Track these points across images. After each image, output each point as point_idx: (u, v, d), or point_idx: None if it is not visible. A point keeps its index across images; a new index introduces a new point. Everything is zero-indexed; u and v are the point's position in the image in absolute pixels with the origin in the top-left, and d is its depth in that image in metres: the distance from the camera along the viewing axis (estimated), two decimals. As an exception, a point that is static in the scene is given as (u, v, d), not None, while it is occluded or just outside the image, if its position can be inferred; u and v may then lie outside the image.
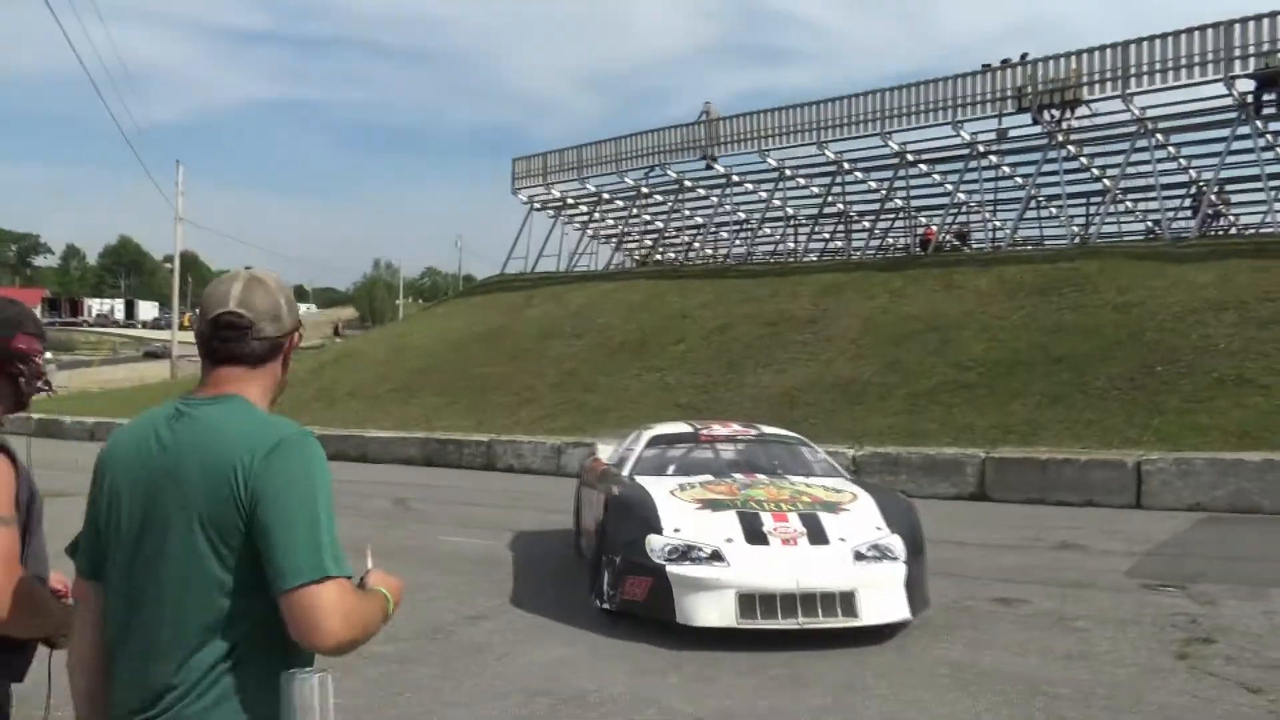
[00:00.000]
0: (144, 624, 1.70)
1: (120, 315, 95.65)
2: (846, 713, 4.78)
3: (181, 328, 65.33)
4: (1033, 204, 25.29)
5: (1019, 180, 25.12)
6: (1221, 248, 19.18)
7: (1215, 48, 19.63)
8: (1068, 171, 23.97)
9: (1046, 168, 23.45)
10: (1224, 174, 22.48)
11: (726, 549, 6.23)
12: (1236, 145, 21.13)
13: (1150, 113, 21.44)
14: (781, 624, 5.97)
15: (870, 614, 6.08)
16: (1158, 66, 20.36)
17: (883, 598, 6.18)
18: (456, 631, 6.35)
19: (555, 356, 24.42)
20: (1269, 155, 21.48)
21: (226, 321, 1.78)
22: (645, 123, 30.66)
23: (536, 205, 34.21)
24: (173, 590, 1.68)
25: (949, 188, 26.32)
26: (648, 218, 33.74)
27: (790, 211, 30.50)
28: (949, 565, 8.55)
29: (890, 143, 24.87)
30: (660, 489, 7.13)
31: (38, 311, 2.37)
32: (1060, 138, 22.32)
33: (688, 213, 32.67)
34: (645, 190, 31.44)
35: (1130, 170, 23.10)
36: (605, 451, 9.74)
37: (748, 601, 6.00)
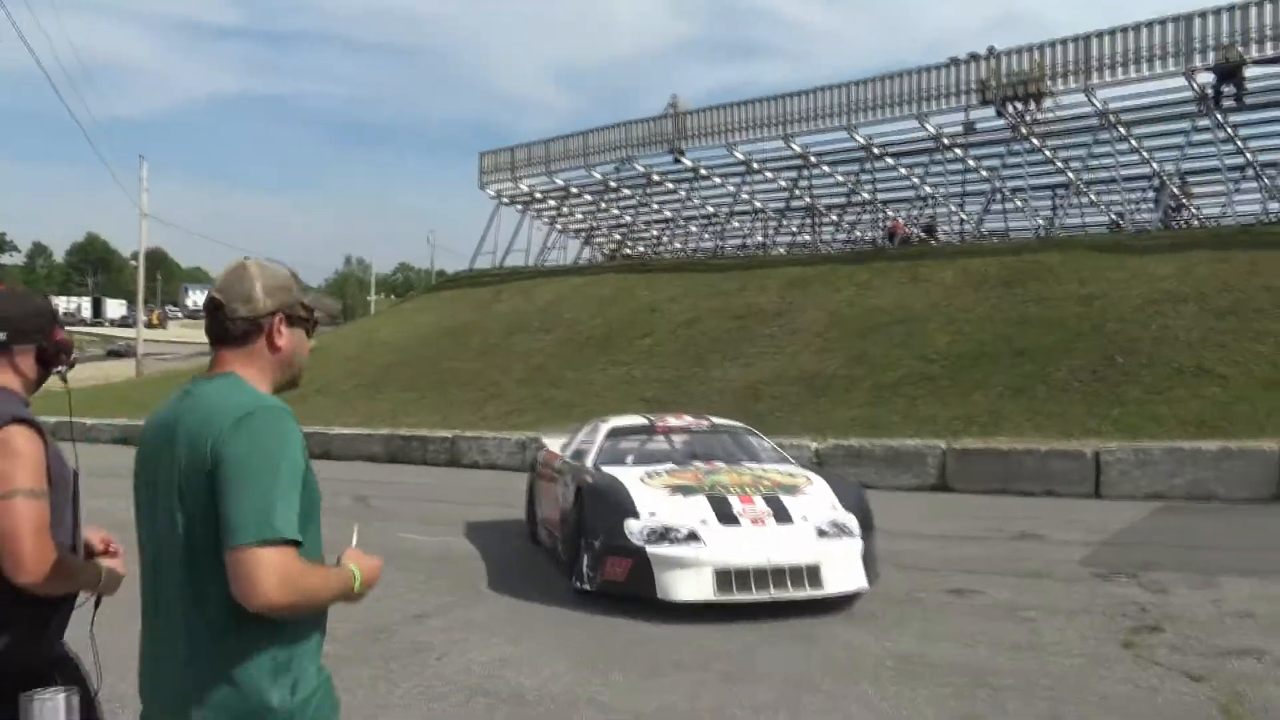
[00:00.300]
0: (154, 592, 1.84)
1: (87, 314, 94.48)
2: (790, 708, 4.72)
3: (150, 325, 64.58)
4: (998, 197, 25.41)
5: (984, 173, 25.23)
6: (1182, 240, 19.31)
7: (1175, 41, 19.80)
8: (1032, 164, 24.11)
9: (1011, 161, 23.59)
10: (1185, 166, 22.69)
11: (702, 530, 6.73)
12: (1197, 138, 21.34)
13: (1112, 105, 21.58)
14: (755, 596, 6.48)
15: (833, 585, 6.65)
16: (1119, 60, 20.50)
17: (843, 570, 6.75)
18: (400, 631, 6.24)
19: (522, 351, 24.30)
20: (1229, 148, 21.70)
21: (207, 304, 1.95)
22: (623, 119, 30.67)
23: (505, 200, 34.04)
24: (167, 560, 1.80)
25: (915, 181, 26.43)
26: (616, 212, 33.66)
27: (758, 205, 30.50)
28: (905, 557, 8.55)
29: (856, 136, 24.91)
30: (630, 477, 7.51)
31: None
32: (1024, 131, 22.41)
33: (656, 206, 32.60)
34: (613, 184, 31.35)
35: (1093, 163, 23.27)
36: (555, 445, 9.90)
37: (724, 577, 6.52)
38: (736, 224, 31.74)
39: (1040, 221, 24.47)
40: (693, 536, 6.68)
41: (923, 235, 26.30)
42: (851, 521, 7.08)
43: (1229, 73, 19.64)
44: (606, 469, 7.95)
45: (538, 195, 33.54)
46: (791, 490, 7.33)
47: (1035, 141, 22.97)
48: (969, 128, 23.70)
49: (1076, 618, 6.33)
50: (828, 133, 25.33)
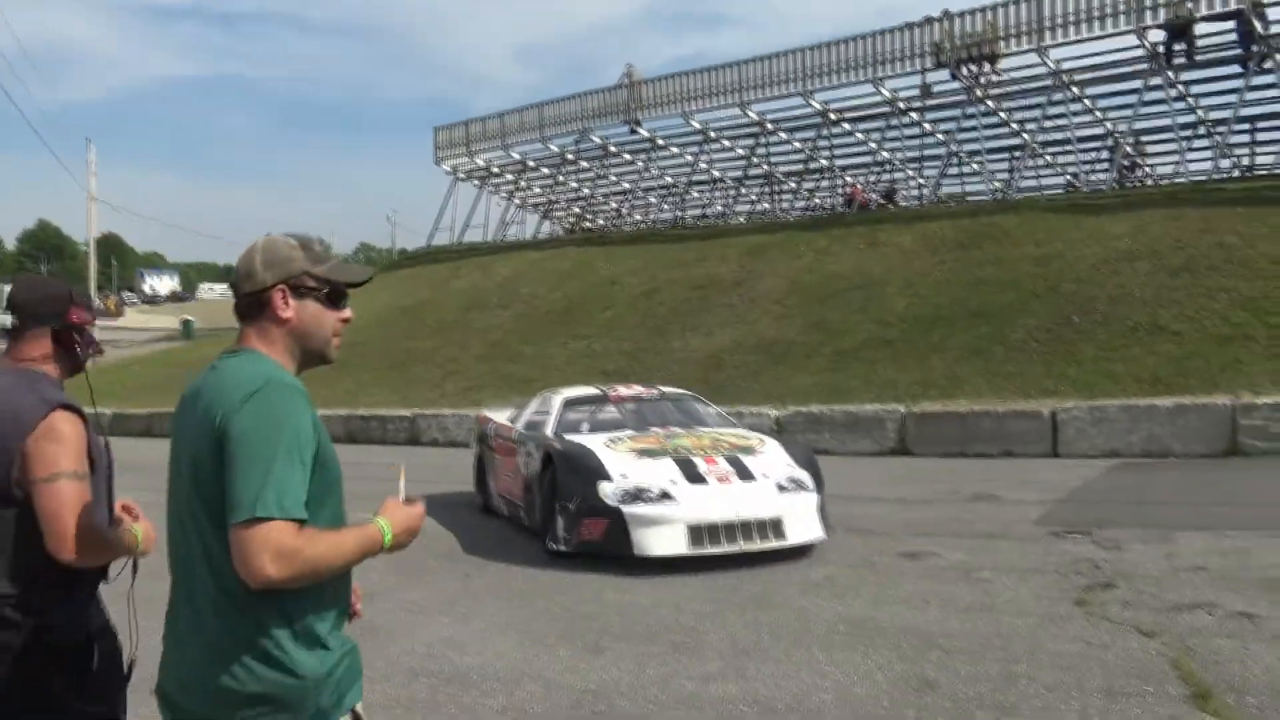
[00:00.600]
0: (179, 564, 1.87)
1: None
2: (736, 677, 4.62)
3: (106, 312, 63.08)
4: (954, 160, 25.39)
5: (940, 137, 25.18)
6: (1136, 199, 19.38)
7: (1126, -1, 19.76)
8: (987, 127, 24.07)
9: (966, 124, 23.52)
10: (1138, 125, 22.75)
11: (673, 489, 7.19)
12: (1149, 96, 21.37)
13: (1065, 66, 21.56)
14: (725, 549, 6.96)
15: (794, 535, 7.17)
16: (1071, 19, 20.45)
17: (802, 522, 7.29)
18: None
19: (481, 328, 24.04)
20: (1180, 106, 21.77)
21: (230, 283, 2.03)
22: (581, 91, 30.29)
23: (461, 175, 33.59)
24: (190, 532, 1.83)
25: (872, 146, 26.34)
26: (575, 185, 33.33)
27: (716, 174, 30.32)
28: (862, 521, 8.50)
29: (812, 102, 24.75)
30: (595, 443, 7.88)
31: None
32: (979, 93, 22.35)
33: (614, 178, 32.32)
34: (570, 157, 31.00)
35: (1047, 124, 23.28)
36: (500, 417, 10.15)
37: (696, 532, 6.99)
38: (696, 194, 31.56)
39: (997, 184, 24.47)
40: (665, 495, 7.13)
41: (881, 201, 26.26)
42: (806, 477, 7.64)
43: (1179, 30, 19.66)
44: (569, 437, 8.25)
45: (494, 170, 33.12)
46: (749, 451, 7.84)
47: (990, 104, 22.92)
48: (925, 91, 23.61)
49: (1030, 577, 6.29)
50: (784, 99, 25.14)
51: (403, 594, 6.60)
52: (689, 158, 29.13)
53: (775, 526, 7.13)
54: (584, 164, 31.35)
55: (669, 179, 31.24)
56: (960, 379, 15.03)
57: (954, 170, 26.29)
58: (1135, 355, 14.17)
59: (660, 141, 28.80)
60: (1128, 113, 22.05)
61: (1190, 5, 19.28)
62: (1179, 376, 13.34)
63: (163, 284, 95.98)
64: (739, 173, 28.52)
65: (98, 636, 2.43)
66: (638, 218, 32.63)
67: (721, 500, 7.15)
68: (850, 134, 26.37)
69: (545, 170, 32.44)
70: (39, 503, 2.29)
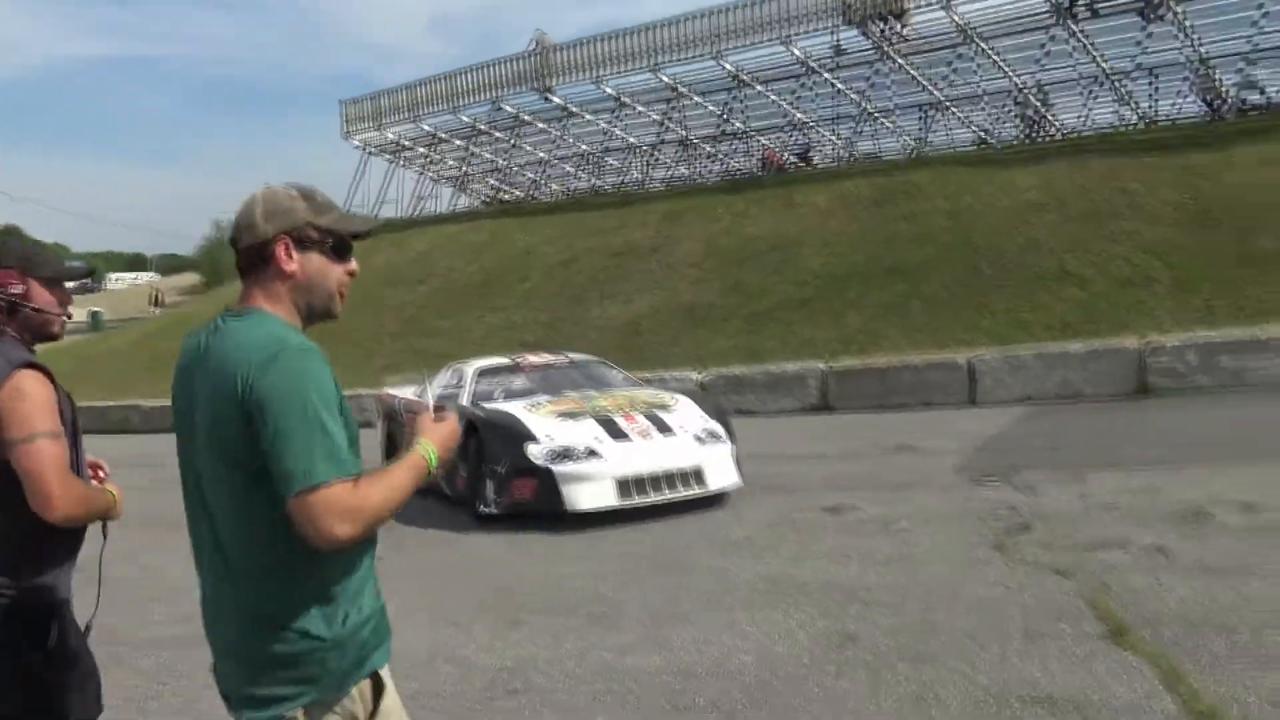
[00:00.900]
0: (194, 515, 1.85)
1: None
2: (655, 645, 4.50)
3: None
4: (867, 119, 25.51)
5: (854, 96, 25.25)
6: (1042, 151, 19.69)
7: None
8: (899, 84, 24.21)
9: (877, 82, 23.63)
10: (1043, 78, 23.09)
11: (599, 446, 7.51)
12: (1053, 49, 21.67)
13: (971, 21, 21.72)
14: (651, 499, 7.35)
15: (714, 483, 7.62)
16: (974, -27, 20.59)
17: (720, 470, 7.75)
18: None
19: (396, 304, 23.54)
20: (1083, 57, 22.13)
21: (229, 239, 1.94)
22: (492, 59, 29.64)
23: (372, 150, 32.80)
24: (208, 496, 1.80)
25: (786, 107, 26.31)
26: (489, 156, 32.77)
27: (632, 140, 30.04)
28: (783, 479, 8.46)
29: (724, 64, 24.60)
30: (517, 409, 8.10)
31: None
32: (889, 50, 22.43)
33: (529, 149, 31.83)
34: (483, 128, 30.44)
35: (956, 80, 23.50)
36: (406, 392, 10.24)
37: (624, 485, 7.35)
38: (612, 161, 31.28)
39: (910, 141, 24.69)
40: (592, 453, 7.45)
41: (797, 161, 26.31)
42: (720, 429, 8.10)
43: (1079, -18, 19.93)
44: (487, 405, 8.43)
45: (405, 143, 32.39)
46: (664, 408, 8.23)
47: (900, 61, 23.04)
48: (838, 50, 23.64)
49: (949, 525, 6.29)
50: (696, 62, 24.93)
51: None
52: (603, 125, 28.80)
53: (696, 475, 7.57)
54: (497, 134, 30.82)
55: (584, 147, 30.90)
56: (878, 335, 15.14)
57: (867, 129, 26.43)
58: (1045, 303, 14.40)
59: (573, 109, 28.41)
60: (1033, 66, 22.35)
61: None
62: (1088, 321, 13.60)
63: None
64: (654, 138, 28.30)
65: (64, 604, 2.45)
66: (554, 187, 32.25)
67: (645, 454, 7.54)
68: (763, 96, 26.30)
69: (458, 142, 31.83)
70: (20, 464, 2.28)
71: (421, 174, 33.23)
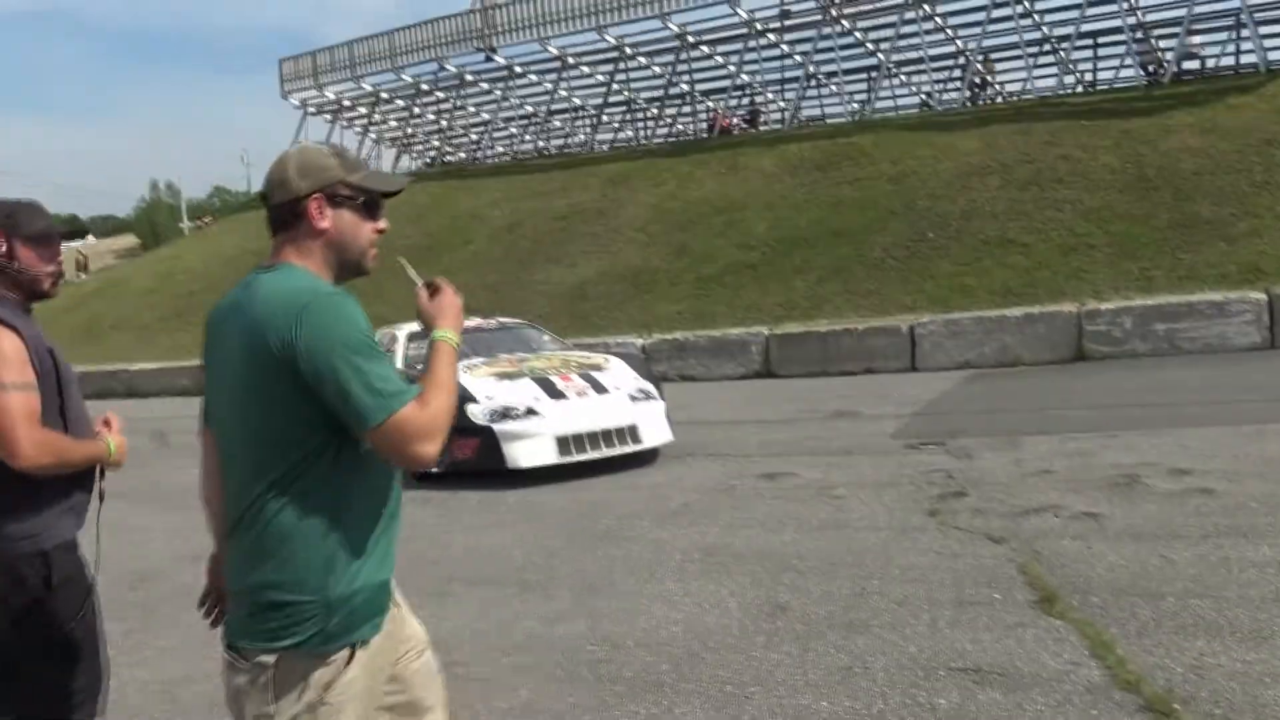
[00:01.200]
0: (228, 462, 1.88)
1: None
2: (584, 615, 4.41)
3: None
4: (813, 82, 25.38)
5: (799, 59, 25.10)
6: (986, 115, 19.74)
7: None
8: (844, 48, 24.10)
9: (823, 45, 23.48)
10: (987, 44, 23.11)
11: (538, 405, 7.73)
12: (997, 14, 21.69)
13: (917, -17, 21.65)
14: (590, 455, 7.59)
15: (649, 439, 7.93)
16: (921, -65, 20.47)
17: (654, 427, 8.05)
18: (168, 575, 5.62)
19: (338, 268, 23.09)
20: (1027, 23, 22.19)
21: (259, 196, 2.04)
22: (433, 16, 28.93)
23: (311, 110, 32.00)
24: (233, 435, 1.85)
25: (732, 69, 26.08)
26: (431, 117, 32.13)
27: (577, 102, 29.63)
28: (723, 445, 8.42)
29: (670, 24, 24.28)
30: None
31: None
32: (835, 13, 22.29)
33: (472, 109, 31.27)
34: (425, 87, 29.82)
35: (901, 44, 23.43)
36: None
37: (563, 442, 7.59)
38: (557, 123, 30.83)
39: (855, 105, 24.62)
40: (531, 412, 7.67)
41: (744, 125, 26.14)
42: (652, 388, 8.46)
43: (1024, -54, 19.91)
44: (421, 368, 8.32)
45: (346, 103, 31.64)
46: (597, 368, 8.52)
47: (846, 24, 22.92)
48: (784, 14, 23.43)
49: (885, 491, 6.27)
50: (641, 21, 24.58)
51: (236, 551, 6.18)
52: (548, 86, 28.33)
53: (632, 432, 7.86)
54: (440, 95, 30.23)
55: (529, 108, 30.40)
56: (822, 299, 15.15)
57: (813, 92, 26.31)
58: (987, 268, 14.50)
59: (518, 69, 27.92)
60: (977, 31, 22.36)
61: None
62: (1028, 287, 13.72)
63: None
64: (600, 100, 27.93)
65: (58, 554, 2.47)
66: (499, 149, 31.74)
67: (582, 412, 7.81)
68: (709, 57, 26.05)
69: (400, 102, 31.16)
70: None
71: (363, 135, 32.52)
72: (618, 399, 8.07)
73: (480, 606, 4.66)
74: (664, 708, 3.40)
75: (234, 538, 1.86)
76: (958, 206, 16.20)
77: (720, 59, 26.06)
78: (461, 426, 7.41)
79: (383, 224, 1.96)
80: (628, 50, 25.83)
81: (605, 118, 28.68)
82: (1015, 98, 22.81)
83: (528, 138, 30.27)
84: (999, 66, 24.45)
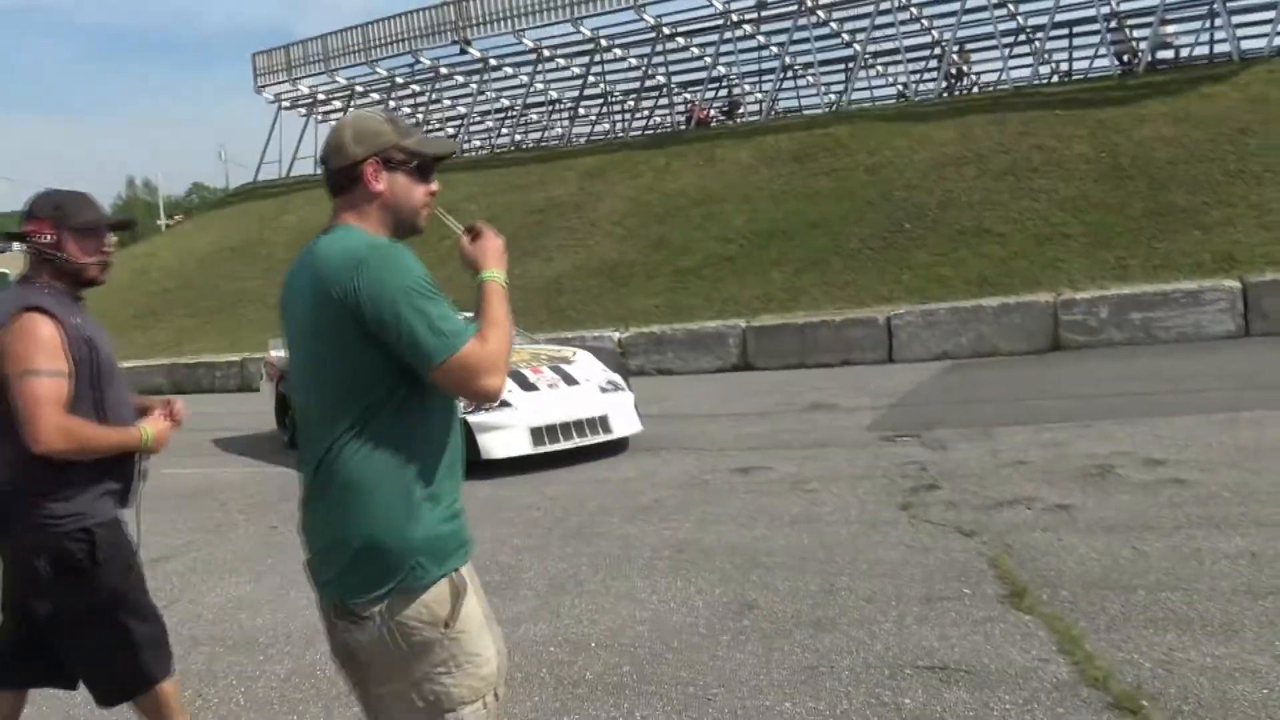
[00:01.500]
0: (304, 422, 1.99)
1: None
2: (549, 615, 4.32)
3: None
4: (789, 73, 25.33)
5: (775, 50, 25.04)
6: (961, 105, 19.73)
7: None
8: (820, 39, 24.05)
9: (799, 36, 23.42)
10: (962, 34, 23.10)
11: (510, 397, 7.72)
12: (972, 4, 21.67)
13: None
14: (562, 445, 7.72)
15: (619, 429, 8.10)
16: (895, -75, 20.41)
17: (623, 418, 8.22)
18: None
19: (313, 264, 22.88)
20: (1002, 13, 22.20)
21: (318, 162, 2.12)
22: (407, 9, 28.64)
23: (285, 104, 31.72)
24: (307, 392, 1.97)
25: (708, 61, 26.00)
26: (407, 110, 31.87)
27: (554, 95, 29.47)
28: (697, 439, 8.35)
29: (645, 16, 24.17)
30: None
31: None
32: (810, 4, 22.22)
33: (448, 102, 31.09)
34: (400, 81, 29.59)
35: (877, 35, 23.39)
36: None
37: (536, 433, 7.70)
38: (534, 116, 30.65)
39: (831, 96, 24.58)
40: (504, 404, 7.67)
41: (722, 117, 26.06)
42: (620, 380, 8.69)
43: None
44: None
45: (320, 97, 31.36)
46: (567, 361, 8.70)
47: (821, 15, 22.86)
48: (761, 4, 23.33)
49: (858, 484, 6.20)
50: (617, 13, 24.44)
51: (196, 553, 6.06)
52: (524, 79, 28.17)
53: (603, 422, 8.03)
54: (415, 88, 30.01)
55: (505, 101, 30.23)
56: (799, 291, 15.09)
57: (789, 83, 26.26)
58: (964, 258, 14.48)
59: (493, 62, 27.74)
60: (952, 21, 22.34)
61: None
62: (1005, 277, 13.71)
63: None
64: (576, 93, 27.79)
65: (102, 531, 2.61)
66: (475, 143, 31.56)
67: (554, 403, 7.93)
68: (686, 49, 25.95)
69: (375, 96, 30.90)
70: (14, 397, 2.49)
71: (338, 129, 32.23)
72: (588, 390, 8.21)
73: (443, 608, 4.56)
74: (624, 711, 3.32)
75: (312, 497, 1.96)
76: (934, 197, 16.18)
77: (696, 50, 25.98)
78: None
79: (434, 185, 2.06)
80: (604, 42, 25.71)
81: (582, 110, 28.55)
82: (991, 88, 22.83)
83: (504, 131, 30.10)
84: (974, 57, 24.48)
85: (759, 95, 27.50)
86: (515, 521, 6.14)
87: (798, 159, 19.19)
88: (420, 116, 31.54)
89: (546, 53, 26.61)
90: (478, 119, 31.41)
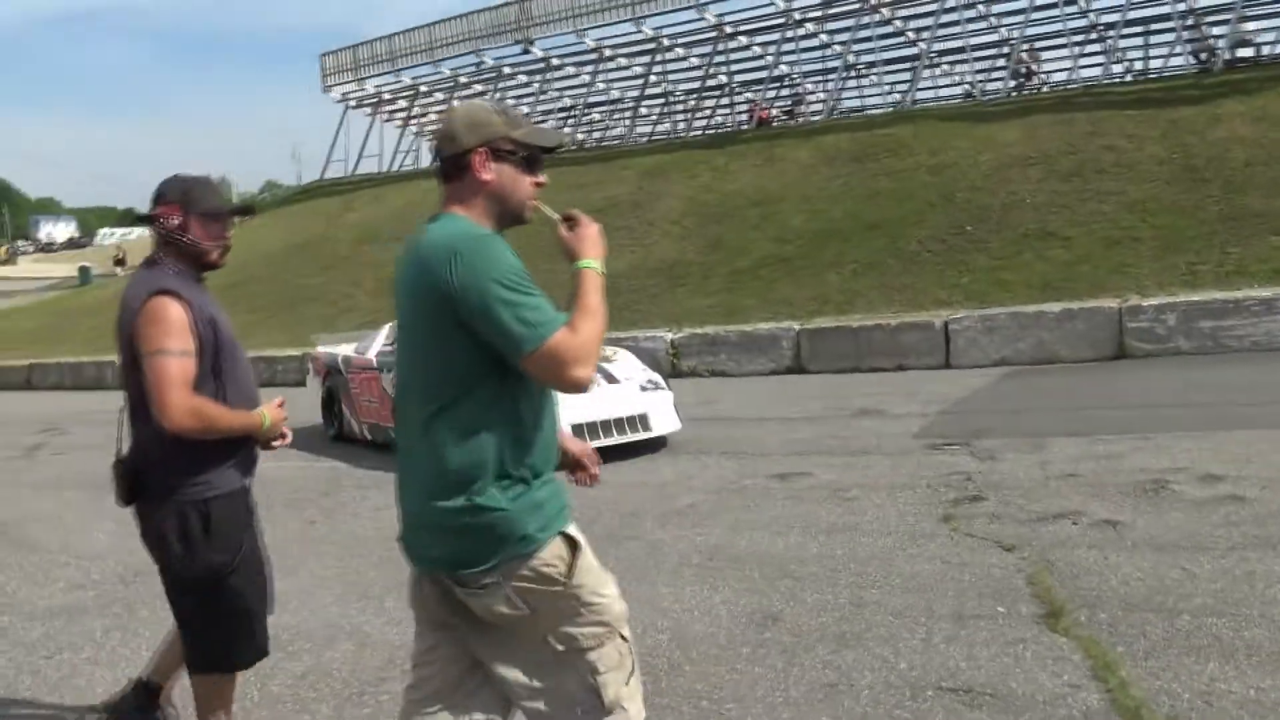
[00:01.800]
0: (402, 395, 2.09)
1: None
2: (569, 622, 4.24)
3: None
4: (852, 73, 25.00)
5: (838, 49, 24.72)
6: (1027, 105, 19.25)
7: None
8: (883, 38, 23.69)
9: (861, 34, 23.09)
10: (1031, 32, 22.56)
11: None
12: (1041, 1, 21.14)
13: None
14: (604, 441, 7.65)
15: (658, 427, 8.21)
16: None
17: (663, 415, 8.31)
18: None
19: (374, 261, 23.11)
20: (1071, 10, 21.62)
21: (431, 150, 2.50)
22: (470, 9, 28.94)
23: (352, 104, 32.22)
24: (408, 370, 2.05)
25: (770, 60, 25.78)
26: (470, 110, 32.13)
27: (615, 95, 29.48)
28: (740, 443, 8.22)
29: (706, 15, 24.03)
30: None
31: None
32: (874, 2, 21.88)
33: (511, 102, 31.22)
34: (464, 80, 29.85)
35: (942, 33, 22.96)
36: (346, 348, 10.60)
37: (577, 430, 7.53)
38: (596, 115, 30.71)
39: (896, 96, 24.19)
40: None
41: (784, 117, 25.81)
42: (660, 379, 8.79)
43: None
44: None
45: (386, 96, 31.80)
46: (607, 360, 8.57)
47: (886, 13, 22.50)
48: (825, 2, 23.05)
49: (899, 493, 6.03)
50: (678, 12, 24.35)
51: (235, 547, 6.10)
52: (585, 78, 28.24)
53: (643, 420, 8.11)
54: (478, 87, 30.24)
55: (567, 100, 30.33)
56: (856, 293, 14.84)
57: (852, 83, 25.92)
58: (1026, 262, 14.10)
59: (555, 62, 27.85)
60: (1019, 19, 21.83)
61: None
62: (1068, 282, 13.31)
63: (60, 230, 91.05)
64: (637, 92, 27.75)
65: (218, 503, 2.79)
66: (538, 142, 31.67)
67: (595, 401, 7.88)
68: (748, 48, 25.75)
69: (439, 95, 31.24)
70: (145, 375, 2.66)
71: (403, 128, 32.65)
72: (628, 389, 8.29)
73: (465, 610, 4.52)
74: (633, 724, 3.22)
75: (409, 474, 2.04)
76: (997, 199, 15.80)
77: (758, 49, 25.76)
78: None
79: (542, 178, 2.11)
80: (665, 41, 25.63)
81: (643, 110, 28.51)
82: (1061, 88, 22.26)
83: (566, 130, 30.17)
84: (1043, 55, 23.89)
85: (822, 95, 27.19)
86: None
87: (858, 159, 18.90)
88: (483, 116, 31.77)
89: (608, 52, 26.63)
90: (540, 119, 31.53)
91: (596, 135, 30.46)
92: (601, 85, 28.50)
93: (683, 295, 16.63)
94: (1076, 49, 21.98)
